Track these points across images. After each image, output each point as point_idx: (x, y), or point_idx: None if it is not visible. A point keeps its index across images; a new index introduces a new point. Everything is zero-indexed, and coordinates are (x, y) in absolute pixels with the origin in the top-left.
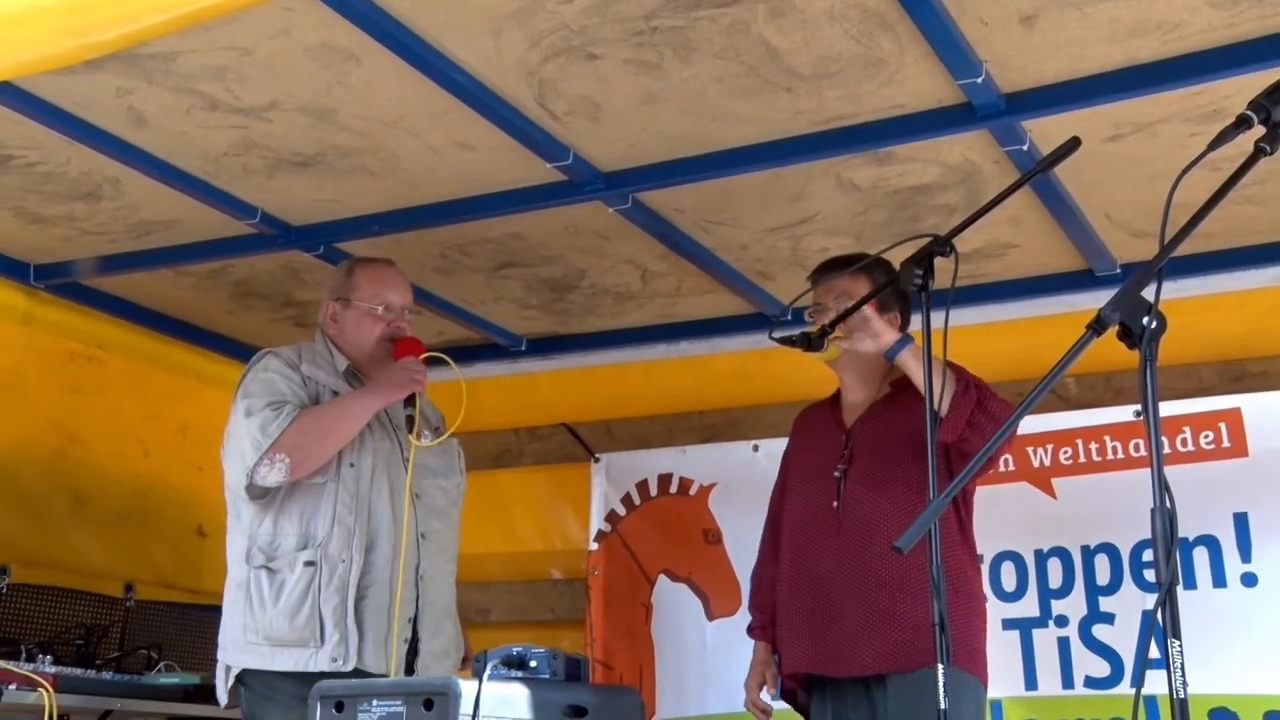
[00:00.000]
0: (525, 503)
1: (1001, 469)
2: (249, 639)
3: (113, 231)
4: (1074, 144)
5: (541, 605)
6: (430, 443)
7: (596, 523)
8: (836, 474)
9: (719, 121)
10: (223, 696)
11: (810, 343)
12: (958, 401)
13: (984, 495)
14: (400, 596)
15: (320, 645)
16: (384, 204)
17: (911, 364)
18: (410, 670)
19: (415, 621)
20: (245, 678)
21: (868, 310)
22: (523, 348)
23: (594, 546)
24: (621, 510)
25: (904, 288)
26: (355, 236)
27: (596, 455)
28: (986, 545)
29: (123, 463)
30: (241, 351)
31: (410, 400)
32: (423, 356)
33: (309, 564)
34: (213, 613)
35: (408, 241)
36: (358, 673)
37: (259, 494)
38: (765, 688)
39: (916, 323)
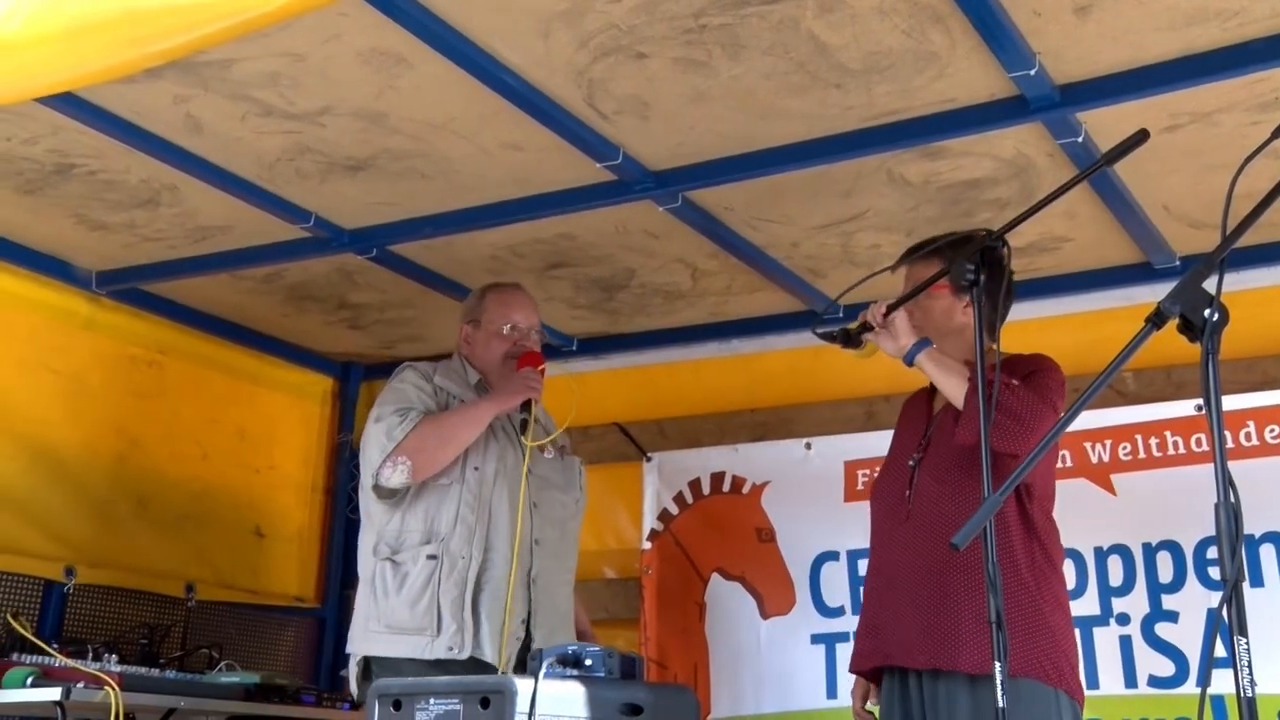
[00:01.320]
0: None
1: (1060, 465)
2: (372, 628)
3: (171, 237)
4: (1141, 137)
5: (596, 604)
6: (542, 440)
7: (649, 521)
8: (911, 463)
9: (768, 119)
10: (354, 687)
11: (848, 339)
12: (968, 402)
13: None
14: (511, 595)
15: (437, 634)
16: (436, 206)
17: (929, 367)
18: (522, 668)
19: (529, 623)
20: (370, 665)
21: (896, 317)
22: (574, 348)
23: (647, 545)
24: (674, 509)
25: (955, 283)
26: (408, 239)
27: (648, 454)
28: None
29: (182, 465)
30: (297, 354)
31: (526, 406)
32: (540, 368)
33: (431, 557)
34: (271, 613)
35: (459, 243)
36: (474, 661)
37: (386, 494)
38: (870, 698)
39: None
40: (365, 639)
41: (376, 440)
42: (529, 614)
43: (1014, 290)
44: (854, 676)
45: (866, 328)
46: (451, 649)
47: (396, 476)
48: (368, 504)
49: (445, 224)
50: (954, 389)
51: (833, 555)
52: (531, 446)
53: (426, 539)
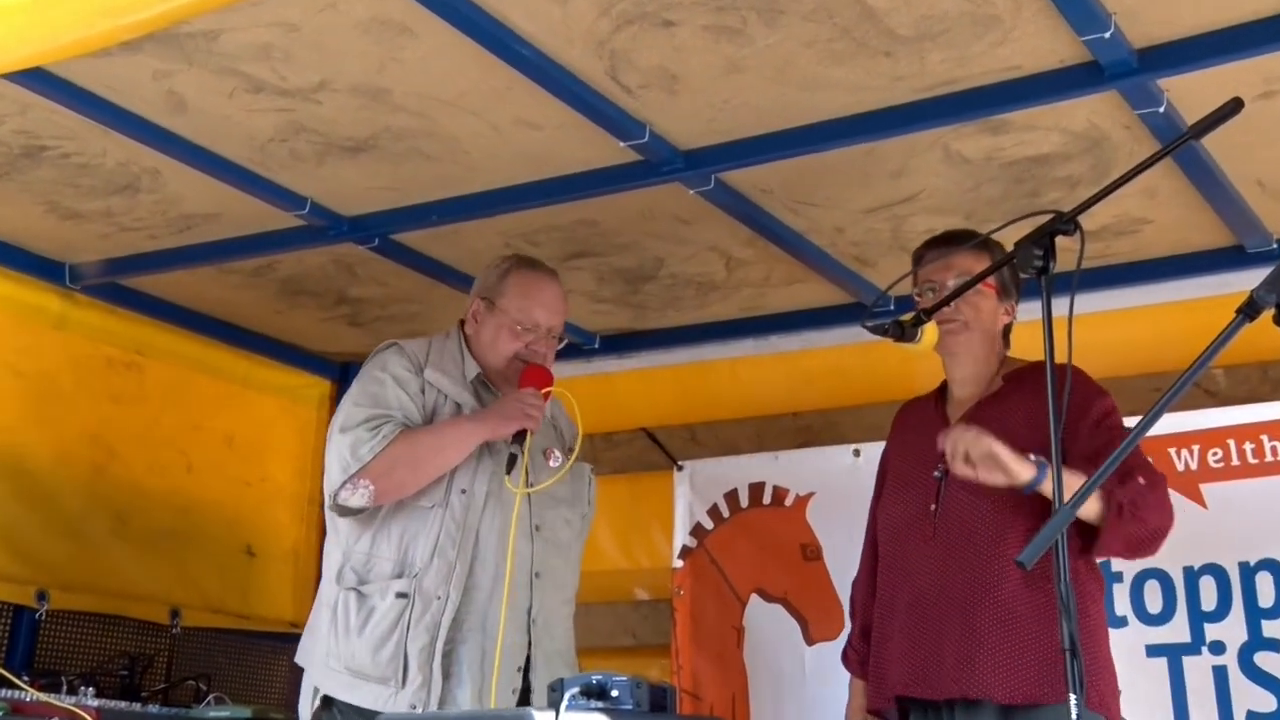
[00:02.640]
0: (602, 516)
1: None
2: (331, 665)
3: (152, 226)
4: (1234, 106)
5: (623, 629)
6: (559, 469)
7: (681, 537)
8: (937, 475)
9: (809, 91)
10: (305, 714)
11: (903, 331)
12: (1110, 531)
13: None
14: (502, 643)
15: (401, 687)
16: (443, 190)
17: (1050, 486)
18: None
19: (527, 670)
20: (330, 702)
21: (996, 447)
22: (596, 345)
23: (678, 564)
24: (708, 523)
25: (1022, 271)
26: (412, 227)
27: (679, 463)
28: (1125, 562)
29: (165, 478)
30: (290, 354)
31: (519, 437)
32: (545, 391)
33: (401, 595)
34: (264, 640)
35: (469, 230)
36: None
37: (346, 513)
38: None
39: (1031, 311)
40: (324, 674)
41: (339, 455)
42: (527, 659)
43: (1055, 282)
44: (856, 705)
45: (927, 316)
46: (414, 706)
47: (356, 499)
48: (333, 518)
49: (453, 210)
50: (1094, 512)
51: None
52: (518, 493)
53: (398, 571)
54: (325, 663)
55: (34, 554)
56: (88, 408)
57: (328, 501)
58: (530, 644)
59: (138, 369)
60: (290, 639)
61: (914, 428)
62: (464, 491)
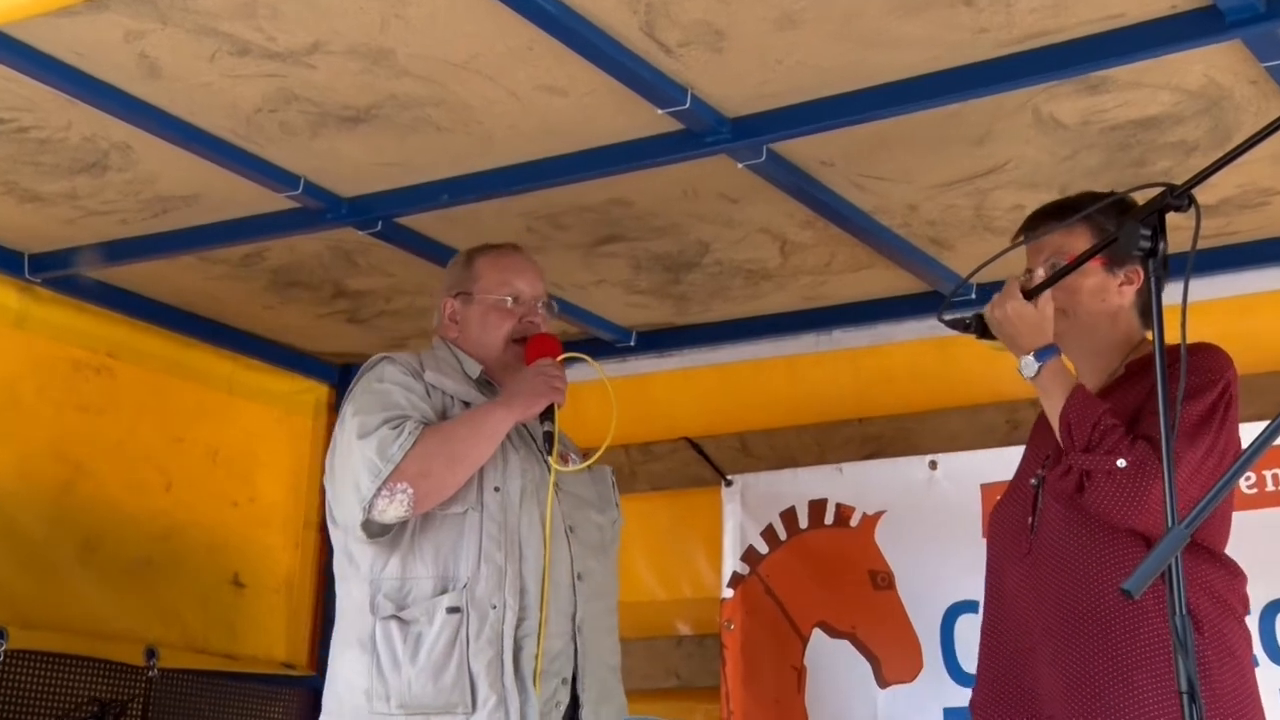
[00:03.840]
0: (640, 539)
1: (1261, 489)
2: (377, 708)
3: (123, 210)
4: None
5: (664, 668)
6: (578, 466)
7: (731, 563)
8: (1033, 482)
9: (877, 47)
10: None
11: (984, 325)
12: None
13: (1241, 524)
14: (542, 649)
15: (471, 711)
16: (455, 167)
17: (1049, 385)
18: None
19: (574, 682)
20: None
21: (1013, 304)
22: (631, 343)
23: (728, 593)
24: (763, 547)
25: (1125, 253)
26: (420, 208)
27: (729, 477)
28: (1251, 589)
29: (141, 498)
30: (283, 356)
31: (548, 413)
32: (560, 358)
33: (453, 610)
34: (254, 683)
35: (485, 212)
36: None
37: (378, 531)
38: None
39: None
40: None
41: (366, 462)
42: (574, 671)
43: (1169, 264)
44: None
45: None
46: None
47: (394, 509)
48: (350, 547)
49: (467, 189)
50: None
51: (969, 606)
52: (557, 470)
53: (442, 587)
54: (370, 707)
55: None
56: (51, 418)
57: (355, 521)
58: (577, 652)
59: (108, 373)
60: (284, 682)
61: (1039, 429)
62: (497, 490)
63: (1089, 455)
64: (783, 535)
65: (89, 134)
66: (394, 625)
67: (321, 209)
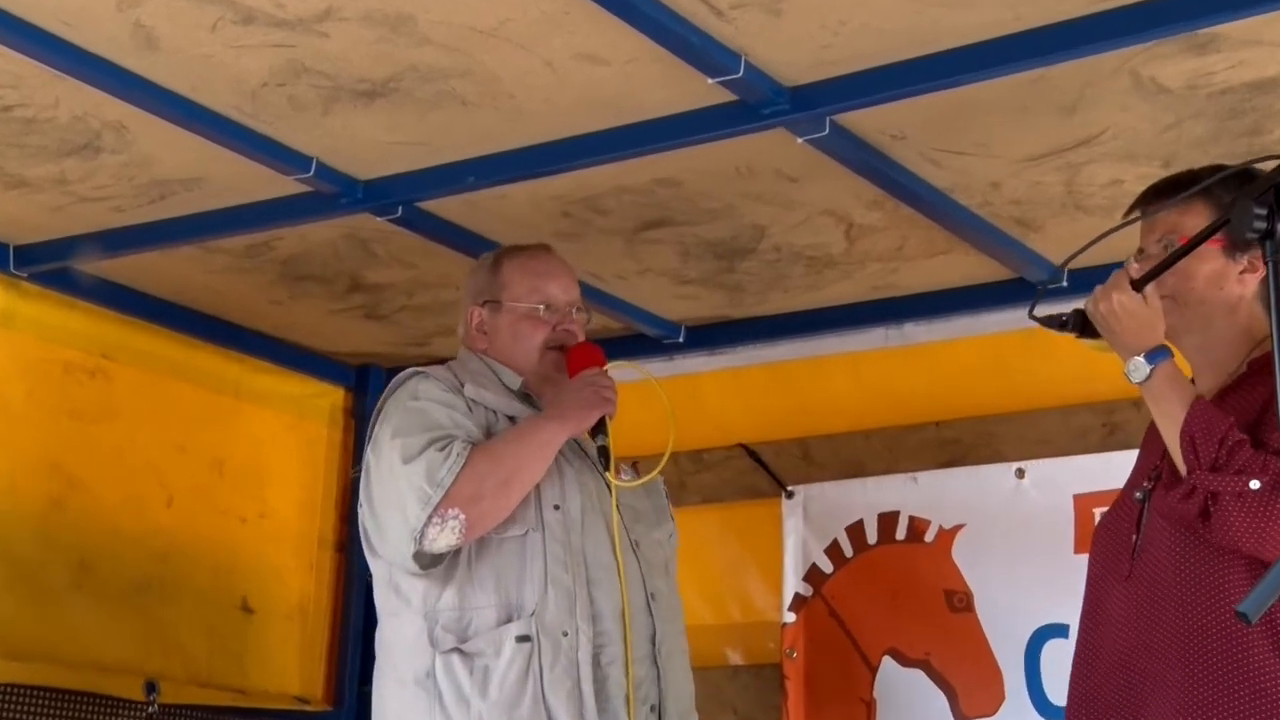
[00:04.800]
0: (689, 557)
1: None
2: None
3: (117, 196)
4: None
5: (717, 701)
6: (635, 480)
7: (792, 584)
8: (1138, 496)
9: (952, 6)
10: None
11: (1085, 323)
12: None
13: None
14: (631, 674)
15: None
16: (482, 145)
17: (1163, 391)
18: None
19: (660, 711)
20: None
21: (1119, 297)
22: (680, 339)
23: (790, 618)
24: (827, 566)
25: (1237, 236)
26: (444, 191)
27: (789, 488)
28: None
29: (140, 514)
30: (294, 356)
31: (600, 426)
32: (607, 367)
33: (523, 639)
34: (264, 719)
35: (516, 196)
36: None
37: (429, 563)
38: None
39: None
40: None
41: (414, 488)
42: (659, 698)
43: None
44: None
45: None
46: None
47: (445, 537)
48: (398, 581)
49: (496, 170)
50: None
51: (1059, 630)
52: (618, 486)
53: (506, 615)
54: None
55: None
56: (41, 426)
57: (405, 554)
58: (660, 677)
59: (103, 377)
60: (297, 718)
61: (1150, 436)
62: (557, 508)
63: (1217, 475)
64: (849, 552)
65: (79, 112)
66: (456, 659)
67: (335, 193)
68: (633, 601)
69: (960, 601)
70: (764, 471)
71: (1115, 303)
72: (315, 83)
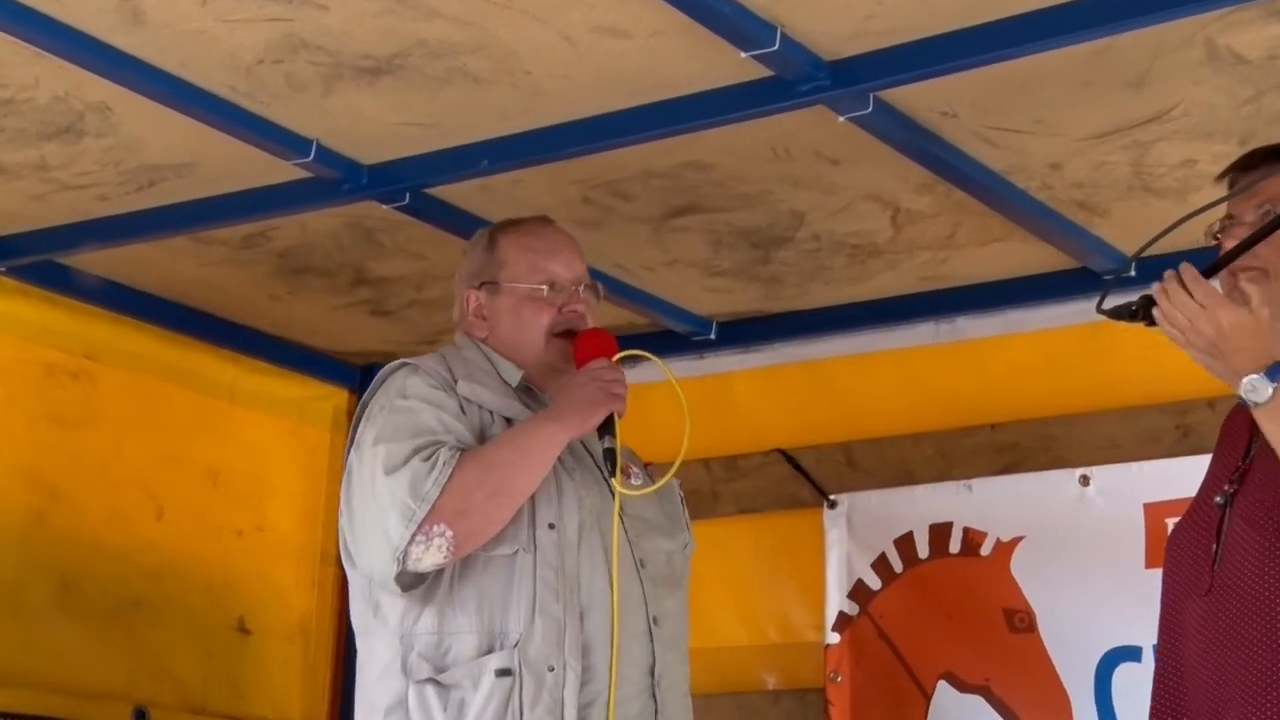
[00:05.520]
0: (722, 572)
1: None
2: None
3: (102, 183)
4: None
5: None
6: (645, 487)
7: (836, 602)
8: (1219, 500)
9: None
10: None
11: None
12: None
13: None
14: (613, 709)
15: None
16: (496, 126)
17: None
18: None
19: None
20: None
21: (1226, 314)
22: (711, 335)
23: (833, 639)
24: (874, 582)
25: None
26: (456, 176)
27: (831, 497)
28: None
29: (127, 528)
30: (294, 356)
31: (608, 425)
32: (617, 357)
33: (502, 673)
34: None
35: (534, 180)
36: None
37: (412, 583)
38: None
39: None
40: None
41: (396, 502)
42: None
43: None
44: None
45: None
46: None
47: (430, 556)
48: (376, 598)
49: (511, 152)
50: None
51: (1130, 653)
52: (623, 495)
53: (488, 644)
54: None
55: None
56: (20, 434)
57: (386, 574)
58: (657, 712)
59: (87, 379)
60: None
61: (1225, 438)
62: (552, 527)
63: None
64: (898, 567)
65: (60, 93)
66: (431, 690)
67: (337, 179)
68: (631, 628)
69: (1021, 621)
70: (804, 479)
71: (1224, 321)
72: (315, 59)
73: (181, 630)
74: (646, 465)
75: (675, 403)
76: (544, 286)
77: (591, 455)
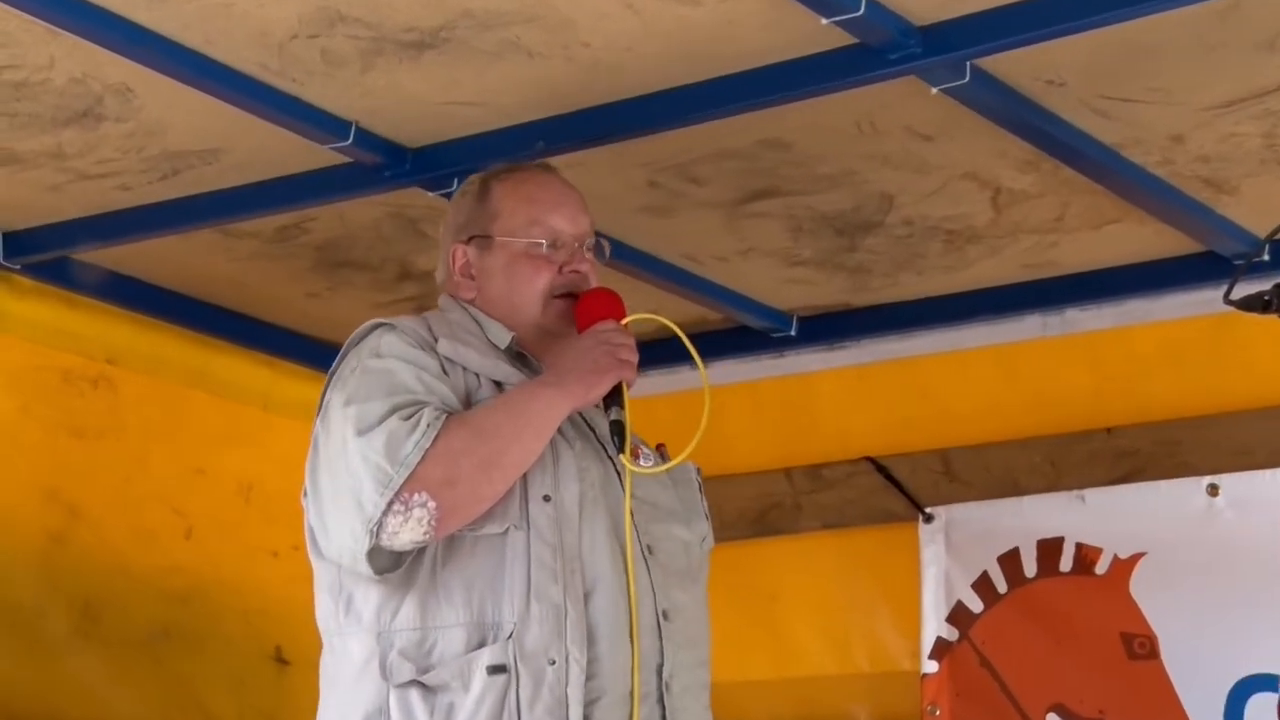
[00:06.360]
0: (804, 594)
1: None
2: None
3: (123, 172)
4: None
5: None
6: (656, 467)
7: (933, 626)
8: None
9: None
10: None
11: None
12: None
13: None
14: (637, 707)
15: None
16: (552, 104)
17: None
18: None
19: None
20: None
21: None
22: (791, 331)
23: (931, 667)
24: (976, 604)
25: None
26: (507, 159)
27: (927, 509)
28: None
29: (154, 549)
30: (333, 359)
31: (615, 395)
32: (626, 321)
33: (496, 670)
34: None
35: (595, 163)
36: None
37: (388, 564)
38: None
39: None
40: None
41: (370, 467)
42: None
43: None
44: None
45: None
46: None
47: (408, 531)
48: (348, 587)
49: (569, 131)
50: None
51: (1265, 682)
52: (635, 472)
53: (479, 637)
54: None
55: None
56: (37, 446)
57: (357, 550)
58: (664, 717)
59: (109, 386)
60: None
61: None
62: (548, 499)
63: None
64: (1003, 587)
65: (78, 74)
66: (415, 694)
67: (379, 164)
68: (639, 621)
69: (1141, 647)
70: (896, 490)
71: None
72: (353, 33)
73: (214, 661)
74: (659, 447)
75: (753, 407)
76: (543, 242)
77: (594, 430)
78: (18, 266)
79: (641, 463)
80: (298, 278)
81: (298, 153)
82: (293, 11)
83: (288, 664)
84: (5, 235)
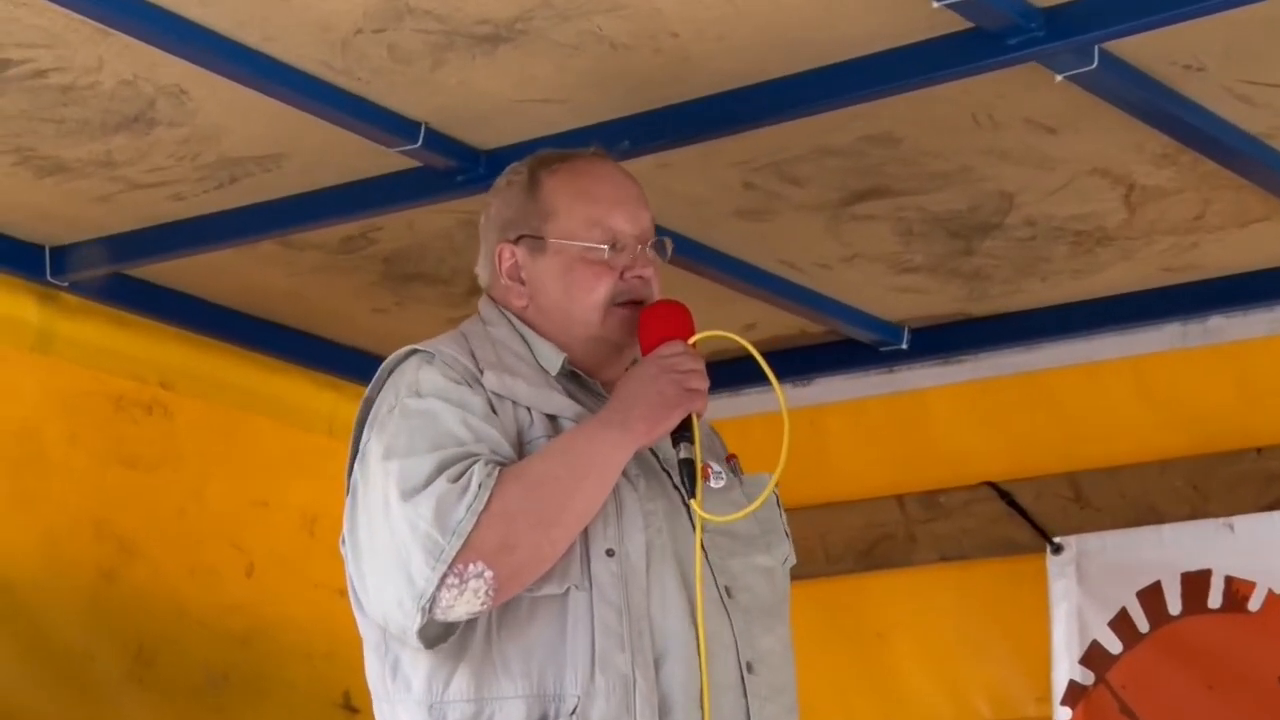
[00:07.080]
0: (919, 632)
1: None
2: None
3: (177, 180)
4: None
5: None
6: (727, 493)
7: (1065, 669)
8: None
9: None
10: None
11: None
12: None
13: None
14: None
15: None
16: (637, 100)
17: None
18: None
19: None
20: None
21: None
22: (903, 345)
23: (1063, 715)
24: (1114, 644)
25: None
26: None
27: (1056, 540)
28: None
29: (212, 587)
30: None
31: (684, 428)
32: (694, 340)
33: None
34: None
35: (684, 163)
36: None
37: (439, 635)
38: None
39: None
40: None
41: (419, 537)
42: None
43: None
44: None
45: None
46: None
47: (464, 603)
48: (397, 656)
49: (657, 130)
50: None
51: None
52: (708, 520)
53: (540, 711)
54: None
55: (9, 712)
56: (87, 477)
57: (408, 626)
58: None
59: (163, 412)
60: None
61: None
62: (611, 553)
63: None
64: (1144, 626)
65: (128, 76)
66: None
67: (450, 168)
68: (718, 680)
69: None
70: (1021, 519)
71: None
72: (423, 26)
73: (277, 708)
74: (729, 459)
75: (861, 427)
76: (605, 246)
77: (657, 457)
78: (65, 284)
79: (712, 482)
80: (364, 292)
81: (363, 157)
82: (357, 5)
83: (357, 711)
84: (52, 251)
